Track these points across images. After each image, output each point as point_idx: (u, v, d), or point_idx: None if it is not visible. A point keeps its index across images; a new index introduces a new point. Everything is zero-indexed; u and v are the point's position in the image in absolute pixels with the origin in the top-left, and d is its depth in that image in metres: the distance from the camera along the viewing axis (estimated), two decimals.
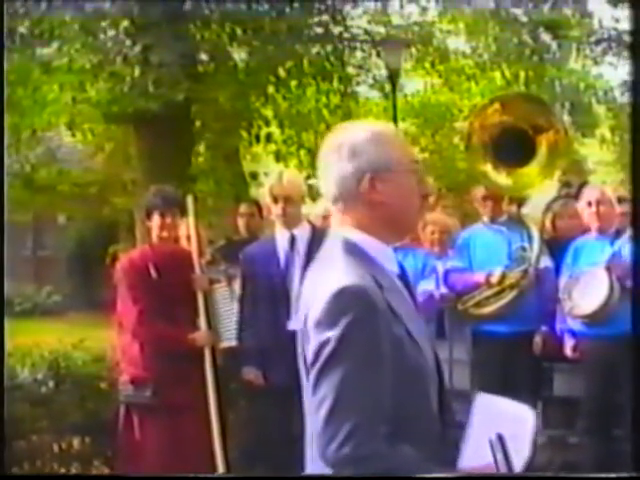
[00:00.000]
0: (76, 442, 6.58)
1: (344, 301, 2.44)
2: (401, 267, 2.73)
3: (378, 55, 14.47)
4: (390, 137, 2.70)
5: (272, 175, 6.20)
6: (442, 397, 2.67)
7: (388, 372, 2.45)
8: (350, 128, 2.77)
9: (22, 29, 11.37)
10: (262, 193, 6.30)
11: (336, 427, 2.39)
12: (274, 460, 5.66)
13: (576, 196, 6.73)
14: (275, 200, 5.86)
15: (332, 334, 2.43)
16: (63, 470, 6.45)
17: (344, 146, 2.66)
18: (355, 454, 2.38)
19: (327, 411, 2.42)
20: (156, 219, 5.77)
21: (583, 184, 7.25)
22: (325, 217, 7.42)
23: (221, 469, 5.54)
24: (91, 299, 19.16)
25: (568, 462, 6.90)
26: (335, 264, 2.56)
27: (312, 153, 13.98)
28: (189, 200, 5.92)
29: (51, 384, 6.38)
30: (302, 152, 14.08)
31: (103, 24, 11.27)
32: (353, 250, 2.58)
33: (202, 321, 5.73)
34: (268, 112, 13.14)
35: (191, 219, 5.89)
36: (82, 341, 7.07)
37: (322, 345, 2.45)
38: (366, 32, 14.18)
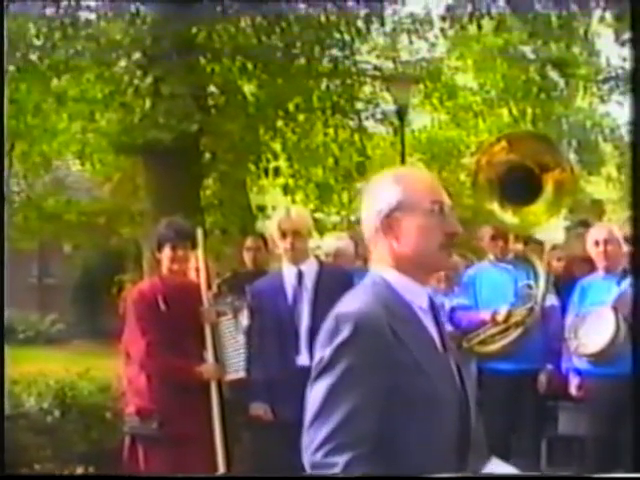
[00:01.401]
0: (80, 471, 6.59)
1: (341, 322, 2.62)
2: (432, 304, 2.82)
3: (387, 90, 14.52)
4: (410, 179, 2.82)
5: (280, 210, 6.22)
6: (463, 436, 2.75)
7: (377, 393, 2.58)
8: (383, 173, 2.92)
9: (34, 59, 11.43)
10: (269, 227, 6.32)
11: (313, 434, 2.58)
12: None
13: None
14: (283, 235, 5.88)
15: (326, 352, 2.62)
16: None
17: (370, 189, 2.85)
18: (324, 461, 2.54)
19: (308, 419, 2.61)
20: (167, 251, 5.78)
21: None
22: (335, 255, 7.46)
23: None
24: (96, 328, 19.16)
25: None
26: (351, 294, 2.76)
27: (320, 187, 14.04)
28: (199, 233, 5.95)
29: (57, 413, 6.41)
30: (310, 186, 14.11)
31: (115, 55, 11.33)
32: (379, 284, 2.74)
33: (209, 354, 5.73)
34: (277, 146, 13.16)
35: (200, 252, 5.91)
36: (88, 371, 7.10)
37: (317, 363, 2.64)
38: (375, 67, 14.23)
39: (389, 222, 2.75)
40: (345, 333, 2.60)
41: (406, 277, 2.76)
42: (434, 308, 2.83)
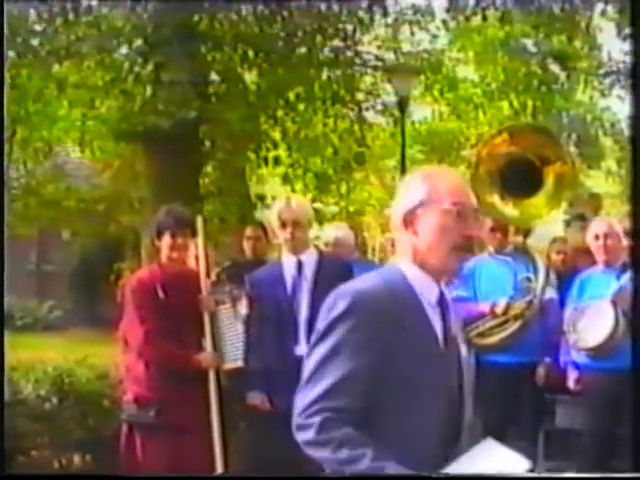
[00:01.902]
0: (77, 459, 6.59)
1: (338, 298, 2.79)
2: (442, 301, 2.92)
3: (388, 81, 14.50)
4: (436, 178, 2.95)
5: (280, 200, 6.21)
6: (453, 423, 2.88)
7: (364, 369, 2.73)
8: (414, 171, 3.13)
9: (35, 45, 11.40)
10: (269, 217, 6.31)
11: (299, 399, 2.77)
12: None
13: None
14: (283, 225, 5.87)
15: (321, 325, 2.81)
16: None
17: (402, 185, 3.02)
18: (304, 422, 2.73)
19: (299, 387, 2.80)
20: (167, 239, 5.76)
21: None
22: (335, 245, 7.46)
23: None
24: (94, 316, 19.14)
25: None
26: (362, 277, 2.95)
27: (318, 177, 14.02)
28: (199, 221, 5.94)
29: (54, 400, 6.40)
30: (309, 176, 14.10)
31: (116, 42, 11.31)
32: (393, 273, 2.90)
33: (208, 343, 5.73)
34: (276, 135, 13.15)
35: (200, 240, 5.90)
36: (86, 358, 7.09)
37: (313, 335, 2.85)
38: (376, 58, 14.20)
39: (411, 218, 2.88)
40: (340, 308, 2.77)
41: (420, 271, 2.88)
42: (443, 304, 2.93)
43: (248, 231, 7.82)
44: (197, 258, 5.95)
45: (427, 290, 2.89)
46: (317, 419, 2.71)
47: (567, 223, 7.55)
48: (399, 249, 2.97)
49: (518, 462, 2.70)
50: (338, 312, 2.77)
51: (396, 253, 3.02)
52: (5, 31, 9.28)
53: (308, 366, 2.80)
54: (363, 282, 2.89)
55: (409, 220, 2.89)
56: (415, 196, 2.89)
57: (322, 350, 2.77)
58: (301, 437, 2.76)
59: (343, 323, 2.76)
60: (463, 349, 2.99)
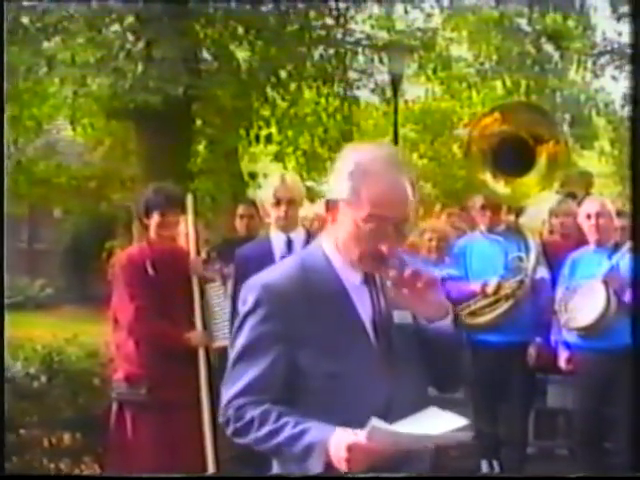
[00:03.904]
0: (67, 437, 6.56)
1: (247, 293, 2.78)
2: (367, 280, 2.81)
3: (380, 60, 14.44)
4: (365, 176, 2.73)
5: (274, 178, 6.17)
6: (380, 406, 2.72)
7: (279, 363, 2.72)
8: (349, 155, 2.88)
9: (26, 22, 11.34)
10: (263, 195, 6.26)
11: (223, 394, 2.80)
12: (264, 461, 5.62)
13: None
14: (278, 202, 5.84)
15: (236, 319, 2.82)
16: (52, 465, 6.44)
17: (339, 166, 2.83)
18: (224, 419, 2.79)
19: (222, 383, 2.84)
20: (156, 217, 5.72)
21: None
22: (315, 221, 7.45)
23: (211, 469, 5.54)
24: (85, 294, 19.12)
25: (557, 474, 6.90)
26: (277, 264, 3.01)
27: (308, 155, 14.00)
28: (189, 199, 5.91)
29: (43, 378, 6.37)
30: (299, 153, 14.09)
31: (107, 19, 11.25)
32: (315, 255, 2.84)
33: (197, 321, 5.71)
34: (267, 113, 13.12)
35: (190, 218, 5.88)
36: (76, 336, 7.06)
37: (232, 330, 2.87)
38: (369, 37, 14.16)
39: (332, 206, 2.78)
40: (249, 304, 2.76)
41: (340, 255, 2.80)
42: (369, 283, 2.82)
43: (240, 209, 7.79)
44: (187, 236, 5.93)
45: (349, 273, 2.80)
46: (231, 411, 2.75)
47: (559, 202, 7.51)
48: (325, 226, 2.89)
49: (459, 421, 2.65)
50: (248, 307, 2.76)
51: (323, 232, 2.93)
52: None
53: (228, 363, 2.82)
54: (276, 270, 2.86)
55: (330, 207, 2.80)
56: (339, 188, 2.76)
57: (237, 346, 2.78)
58: (228, 432, 2.80)
59: (252, 317, 2.74)
60: (401, 329, 2.82)
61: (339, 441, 2.55)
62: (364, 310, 2.78)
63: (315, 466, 2.60)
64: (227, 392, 2.78)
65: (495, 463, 6.58)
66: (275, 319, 2.72)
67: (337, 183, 2.78)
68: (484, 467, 6.57)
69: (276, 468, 2.85)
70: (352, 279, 2.79)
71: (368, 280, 2.81)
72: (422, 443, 2.72)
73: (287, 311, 2.71)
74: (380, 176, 2.72)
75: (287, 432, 2.65)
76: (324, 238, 2.86)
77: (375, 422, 2.53)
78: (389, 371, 2.75)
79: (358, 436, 2.53)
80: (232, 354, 2.81)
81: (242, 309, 2.79)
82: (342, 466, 2.54)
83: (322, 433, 2.61)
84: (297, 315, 2.71)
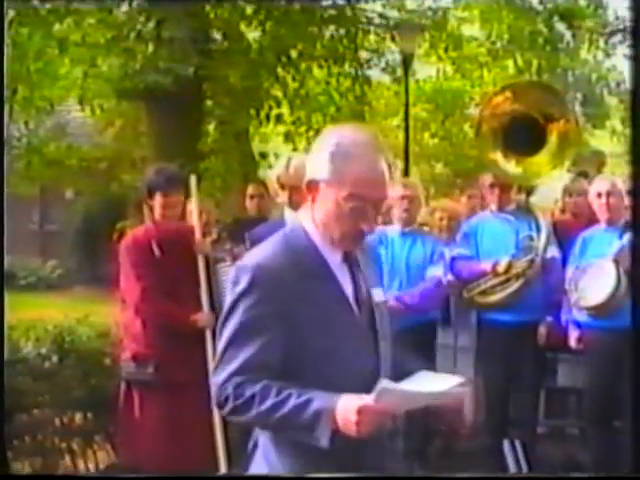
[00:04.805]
0: (78, 417, 6.59)
1: (240, 274, 2.81)
2: (347, 258, 2.93)
3: (392, 39, 14.39)
4: (346, 156, 2.83)
5: (280, 161, 6.14)
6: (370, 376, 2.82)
7: (274, 344, 2.77)
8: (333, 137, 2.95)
9: (36, 3, 11.32)
10: (269, 177, 6.25)
11: (215, 379, 2.81)
12: None
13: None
14: (282, 187, 5.82)
15: (227, 301, 2.83)
16: (64, 445, 6.47)
17: (315, 142, 2.97)
18: (220, 398, 2.78)
19: (214, 365, 2.87)
20: (158, 198, 5.74)
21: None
22: None
23: (220, 448, 5.55)
24: (96, 274, 19.15)
25: (568, 453, 6.91)
26: (264, 244, 2.94)
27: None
28: (192, 180, 5.92)
29: (55, 359, 6.39)
30: (311, 133, 14.05)
31: (117, 0, 11.24)
32: (297, 234, 2.91)
33: (204, 302, 5.72)
34: (278, 93, 13.09)
35: (194, 199, 5.89)
36: (87, 316, 7.08)
37: (223, 311, 2.86)
38: (380, 16, 14.10)
39: (312, 186, 2.88)
40: (242, 285, 2.79)
41: (319, 233, 2.89)
42: (349, 260, 2.94)
43: (250, 189, 7.79)
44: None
45: (330, 251, 2.90)
46: (230, 389, 2.76)
47: (570, 181, 7.49)
48: (304, 206, 2.98)
49: (454, 379, 2.81)
50: (240, 289, 2.79)
51: (301, 209, 3.03)
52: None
53: (219, 345, 2.84)
54: (264, 251, 2.88)
55: (311, 188, 2.89)
56: (321, 169, 2.85)
57: (230, 328, 2.81)
58: (224, 412, 2.82)
59: (246, 298, 2.78)
60: (379, 306, 2.99)
61: (348, 405, 2.62)
62: (346, 287, 2.90)
63: (323, 434, 2.65)
64: (223, 371, 2.79)
65: (517, 442, 6.55)
66: (270, 299, 2.77)
67: (318, 164, 2.87)
68: (506, 447, 6.54)
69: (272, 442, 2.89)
70: (332, 258, 2.89)
71: (347, 258, 2.93)
72: (428, 401, 2.85)
73: (280, 291, 2.77)
74: (360, 157, 2.83)
75: (292, 403, 2.69)
76: (303, 217, 2.95)
77: (384, 383, 2.64)
78: (373, 344, 2.91)
79: (365, 399, 2.61)
80: (225, 334, 2.82)
81: (235, 289, 2.82)
82: (351, 430, 2.61)
83: (328, 400, 2.67)
84: (289, 294, 2.77)
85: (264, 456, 2.91)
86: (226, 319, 2.83)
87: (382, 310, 2.98)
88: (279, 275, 2.78)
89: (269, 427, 2.81)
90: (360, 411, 2.60)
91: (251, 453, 2.99)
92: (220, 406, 2.81)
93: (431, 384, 2.79)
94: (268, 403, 2.70)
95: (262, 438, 2.94)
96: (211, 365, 5.51)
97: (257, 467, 2.93)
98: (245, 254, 5.66)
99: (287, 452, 2.85)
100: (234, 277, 2.83)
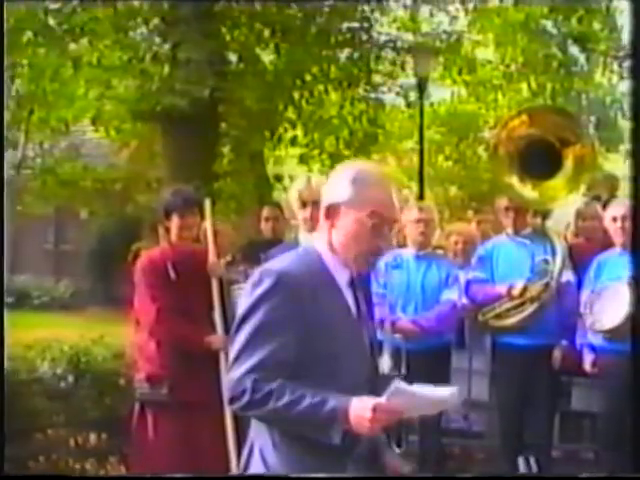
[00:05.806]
0: (93, 437, 6.60)
1: (264, 276, 2.98)
2: (352, 283, 3.16)
3: (405, 63, 14.42)
4: (366, 180, 3.11)
5: (299, 180, 6.16)
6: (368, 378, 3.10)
7: (288, 346, 2.92)
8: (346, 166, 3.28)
9: (53, 24, 11.40)
10: (288, 197, 6.27)
11: (231, 376, 2.95)
12: None
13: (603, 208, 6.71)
14: (304, 204, 5.83)
15: (248, 301, 2.97)
16: (78, 466, 6.47)
17: (333, 176, 3.23)
18: (236, 392, 2.91)
19: (230, 363, 2.99)
20: (175, 219, 5.77)
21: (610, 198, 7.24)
22: None
23: (233, 468, 5.55)
24: (111, 295, 19.13)
25: (583, 477, 6.87)
26: (282, 256, 3.16)
27: (333, 158, 13.99)
28: (207, 202, 5.94)
29: (70, 379, 6.41)
30: (324, 156, 14.09)
31: (134, 21, 11.30)
32: (311, 254, 3.12)
33: (218, 323, 5.73)
34: (292, 115, 13.13)
35: (208, 221, 5.91)
36: (102, 337, 7.10)
37: (240, 310, 3.01)
38: (394, 39, 14.15)
39: (333, 211, 3.10)
40: (266, 286, 2.96)
41: (334, 257, 3.10)
42: (353, 286, 3.16)
43: (265, 211, 7.79)
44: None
45: (339, 274, 3.10)
46: (248, 383, 2.89)
47: (585, 205, 7.48)
48: (320, 230, 3.17)
49: (447, 389, 3.01)
50: (263, 290, 2.95)
51: (315, 235, 3.23)
52: (22, 11, 9.28)
53: (236, 343, 2.98)
54: (285, 261, 3.08)
55: (331, 213, 3.10)
56: (342, 193, 3.08)
57: (248, 328, 2.95)
58: (237, 406, 2.95)
59: (268, 301, 2.95)
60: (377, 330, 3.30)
61: (362, 404, 2.82)
62: (350, 303, 3.13)
63: (337, 432, 2.84)
64: (241, 366, 2.93)
65: (532, 460, 6.53)
66: (291, 302, 2.94)
67: (338, 188, 3.11)
68: (521, 466, 6.53)
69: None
70: (341, 279, 3.11)
71: (352, 282, 3.15)
72: (436, 406, 3.09)
73: (299, 298, 2.95)
74: (378, 183, 3.13)
75: (307, 401, 2.85)
76: (318, 240, 3.16)
77: (398, 383, 2.84)
78: (371, 355, 3.18)
79: (378, 400, 2.82)
80: (245, 331, 2.96)
81: (256, 290, 2.96)
82: (364, 428, 2.82)
83: (342, 400, 2.85)
84: (306, 302, 2.96)
85: (261, 460, 3.02)
86: (245, 317, 2.98)
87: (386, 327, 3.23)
88: (299, 281, 2.97)
89: (284, 423, 2.94)
90: (375, 409, 2.79)
91: (247, 459, 3.09)
92: (235, 399, 2.93)
93: (439, 390, 2.97)
94: (285, 399, 2.86)
95: (258, 443, 3.05)
96: (225, 384, 5.59)
97: (255, 471, 3.05)
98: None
99: (287, 453, 2.98)
100: (256, 279, 2.98)
